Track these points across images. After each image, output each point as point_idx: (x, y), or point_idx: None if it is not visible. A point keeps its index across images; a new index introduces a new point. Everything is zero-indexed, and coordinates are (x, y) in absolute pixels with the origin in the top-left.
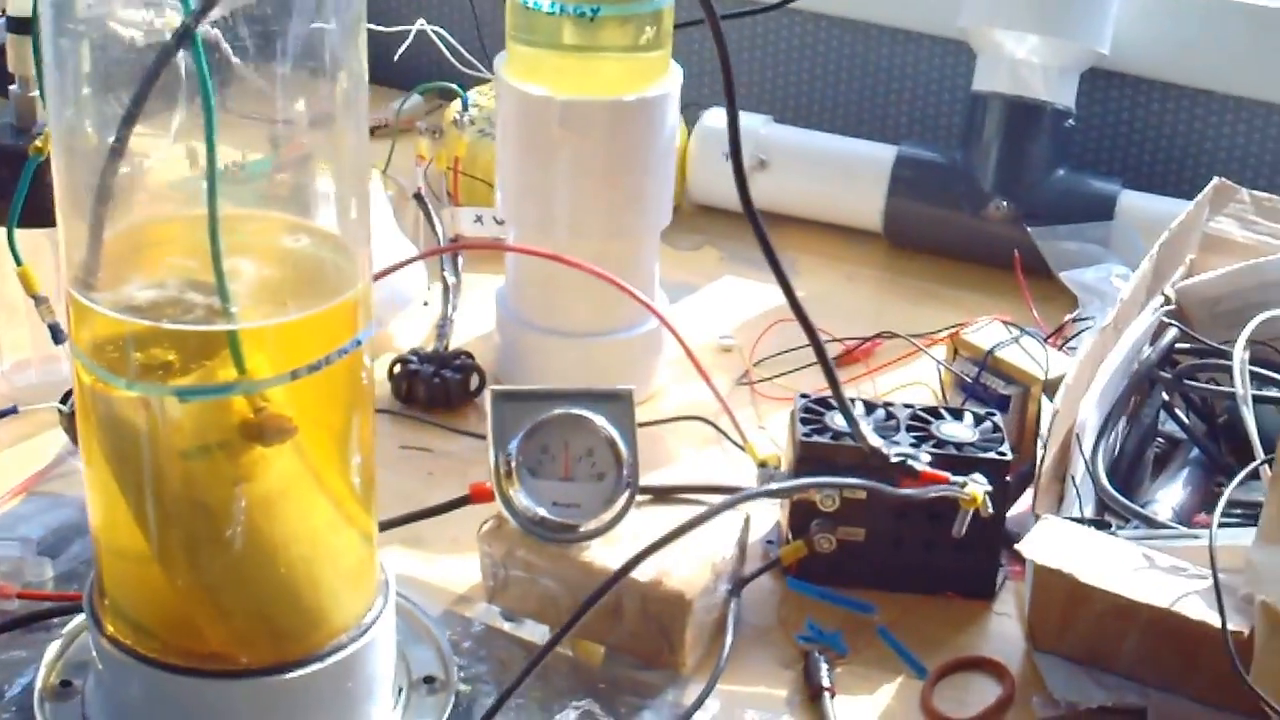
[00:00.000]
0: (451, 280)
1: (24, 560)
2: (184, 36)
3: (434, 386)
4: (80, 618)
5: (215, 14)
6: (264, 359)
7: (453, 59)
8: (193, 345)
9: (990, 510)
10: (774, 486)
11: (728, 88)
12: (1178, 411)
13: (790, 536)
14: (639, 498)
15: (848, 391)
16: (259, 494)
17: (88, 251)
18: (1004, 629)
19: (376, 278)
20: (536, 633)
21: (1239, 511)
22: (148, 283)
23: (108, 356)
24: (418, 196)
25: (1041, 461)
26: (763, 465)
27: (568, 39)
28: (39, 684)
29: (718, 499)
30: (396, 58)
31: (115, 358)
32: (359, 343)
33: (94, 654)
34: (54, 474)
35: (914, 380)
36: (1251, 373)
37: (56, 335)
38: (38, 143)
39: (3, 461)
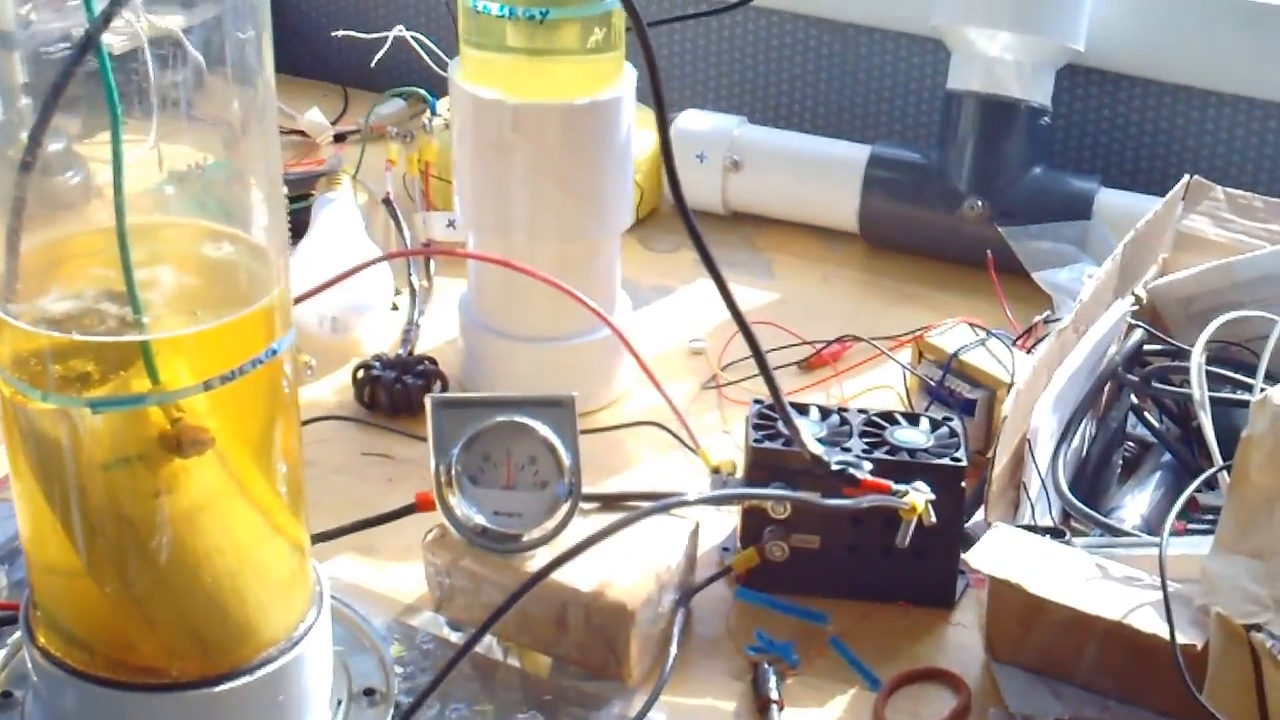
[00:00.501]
0: (422, 285)
1: None
2: (87, 46)
3: (395, 392)
4: None
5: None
6: (182, 369)
7: (432, 64)
8: (110, 357)
9: (933, 519)
10: (700, 495)
11: (656, 93)
12: (1148, 415)
13: (742, 544)
14: (586, 506)
15: (814, 396)
16: (181, 506)
17: (5, 264)
18: (962, 639)
19: (336, 282)
20: (482, 643)
21: (1210, 518)
22: (65, 294)
23: (29, 369)
24: (386, 201)
25: (992, 468)
26: (715, 471)
27: (518, 42)
28: None
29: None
30: (374, 63)
31: (37, 370)
32: (274, 352)
33: (29, 666)
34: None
35: (881, 384)
36: (1222, 375)
37: None
38: None
39: None
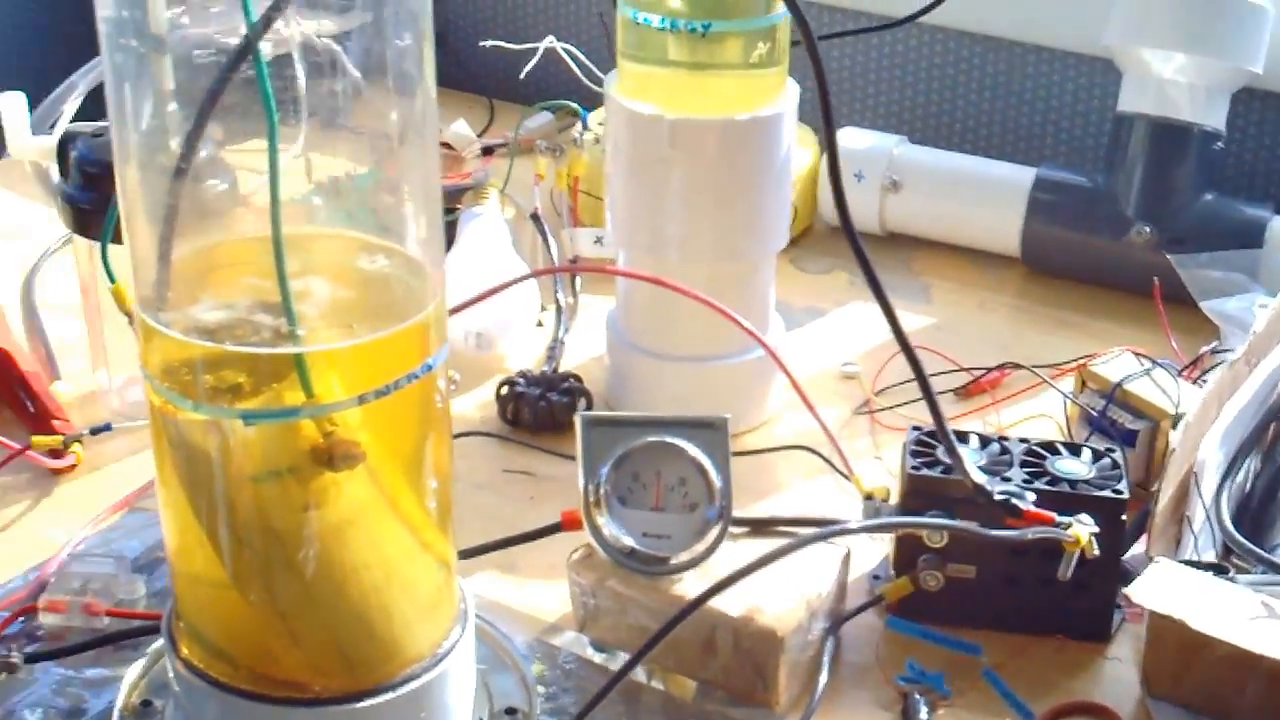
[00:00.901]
0: (568, 302)
1: (116, 578)
2: (245, 51)
3: (540, 409)
4: None
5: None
6: (335, 382)
7: (583, 76)
8: (262, 368)
9: (1096, 552)
10: (861, 523)
11: (825, 108)
12: None
13: (895, 572)
14: (735, 530)
15: (971, 424)
16: (330, 520)
17: (156, 272)
18: (1118, 674)
19: (485, 297)
20: None
21: None
22: (217, 303)
23: (179, 379)
24: (534, 217)
25: (1156, 501)
26: (868, 498)
27: (678, 55)
28: (120, 702)
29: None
30: (524, 75)
31: (187, 380)
32: (429, 368)
33: (170, 676)
34: (154, 490)
35: (1040, 413)
36: None
37: None
38: None
39: (105, 477)
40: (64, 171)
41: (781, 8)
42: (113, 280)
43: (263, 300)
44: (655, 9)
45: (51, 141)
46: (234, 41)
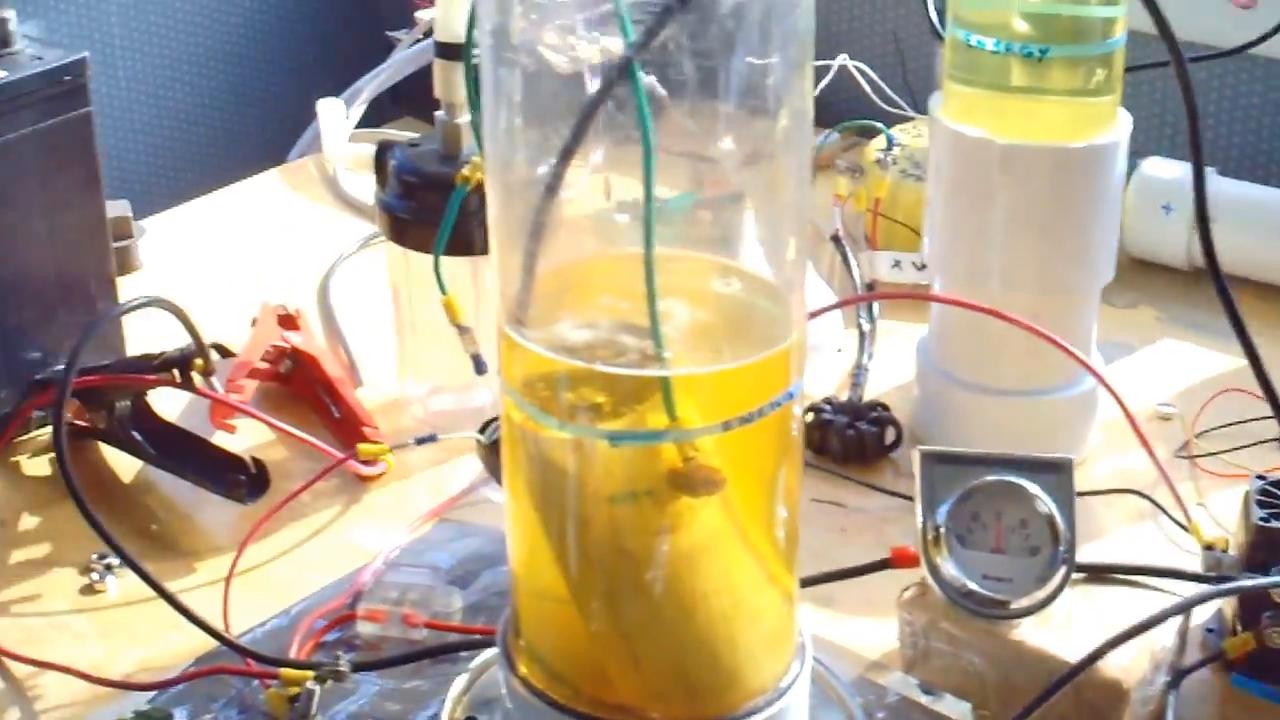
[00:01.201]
0: (866, 327)
1: (433, 589)
2: (624, 69)
3: (848, 438)
4: (487, 653)
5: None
6: (694, 407)
7: (874, 96)
8: (623, 389)
9: None
10: (1257, 580)
11: (1193, 137)
12: None
13: (1238, 628)
14: (1074, 576)
15: None
16: (682, 545)
17: (520, 288)
18: None
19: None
20: (956, 709)
21: None
22: (580, 322)
23: (539, 395)
24: (835, 238)
25: None
26: (1209, 548)
27: (1012, 80)
28: (444, 717)
29: (1157, 581)
30: (816, 94)
31: (546, 396)
32: (791, 395)
33: (504, 693)
34: (464, 502)
35: None
36: None
37: (479, 366)
38: (464, 171)
39: (412, 486)
40: (381, 180)
41: (1120, 34)
42: (444, 291)
43: (625, 321)
44: (992, 32)
45: (368, 149)
46: (546, 52)
